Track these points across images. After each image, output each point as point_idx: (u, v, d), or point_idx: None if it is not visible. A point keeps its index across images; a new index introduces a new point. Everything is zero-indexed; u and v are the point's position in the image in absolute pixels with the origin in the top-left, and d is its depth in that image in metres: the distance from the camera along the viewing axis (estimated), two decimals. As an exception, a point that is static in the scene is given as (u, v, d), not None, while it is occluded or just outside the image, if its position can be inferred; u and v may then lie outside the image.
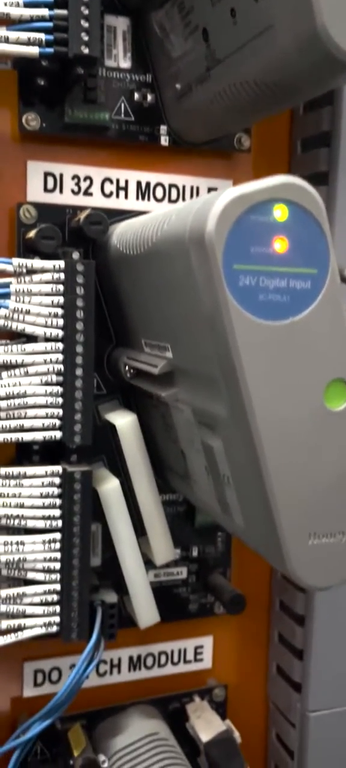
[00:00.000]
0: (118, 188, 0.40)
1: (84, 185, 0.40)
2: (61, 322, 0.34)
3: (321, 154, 0.41)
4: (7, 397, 0.34)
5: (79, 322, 0.35)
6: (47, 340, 0.35)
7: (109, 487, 0.38)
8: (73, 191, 0.39)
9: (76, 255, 0.35)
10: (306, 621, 0.43)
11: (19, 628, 0.36)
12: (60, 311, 0.34)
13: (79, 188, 0.39)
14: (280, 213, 0.25)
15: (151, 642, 0.45)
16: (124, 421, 0.38)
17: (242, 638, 0.47)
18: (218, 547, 0.44)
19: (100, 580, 0.41)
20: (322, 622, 0.43)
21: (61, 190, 0.39)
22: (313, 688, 0.43)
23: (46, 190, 0.39)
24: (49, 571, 0.36)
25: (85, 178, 0.40)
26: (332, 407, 0.27)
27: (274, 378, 0.26)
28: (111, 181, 0.40)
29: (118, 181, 0.40)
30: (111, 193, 0.40)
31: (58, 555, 0.36)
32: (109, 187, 0.40)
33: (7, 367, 0.35)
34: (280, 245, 0.25)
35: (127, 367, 0.37)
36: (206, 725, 0.42)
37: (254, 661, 0.48)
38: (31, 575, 0.36)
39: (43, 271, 0.34)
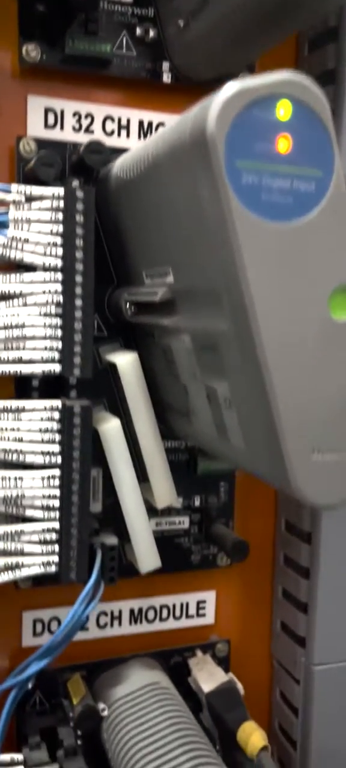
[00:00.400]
0: (120, 127, 0.40)
1: (85, 122, 0.39)
2: (60, 251, 0.34)
3: (327, 93, 0.40)
4: (5, 328, 0.34)
5: (79, 250, 0.34)
6: (46, 269, 0.34)
7: (110, 426, 0.37)
8: (74, 128, 0.39)
9: (75, 182, 0.34)
10: (311, 573, 0.42)
11: (17, 566, 0.35)
12: (59, 240, 0.34)
13: (81, 125, 0.39)
14: (283, 111, 0.25)
15: (153, 595, 0.44)
16: (125, 359, 0.37)
17: (246, 594, 0.46)
18: (220, 498, 0.43)
19: (101, 527, 0.40)
20: (327, 574, 0.42)
21: (61, 127, 0.38)
22: (318, 641, 0.42)
23: (46, 126, 0.38)
24: (47, 508, 0.35)
25: (87, 116, 0.39)
26: (338, 318, 0.26)
27: (277, 284, 0.25)
28: (113, 120, 0.40)
29: (120, 119, 0.40)
30: (113, 132, 0.40)
31: (57, 492, 0.35)
32: (111, 126, 0.40)
33: (5, 297, 0.34)
34: (283, 144, 0.25)
35: (127, 304, 0.36)
36: (209, 677, 0.41)
37: (258, 618, 0.47)
38: (29, 512, 0.35)
39: (42, 198, 0.34)
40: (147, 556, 0.39)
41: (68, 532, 0.35)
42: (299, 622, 0.43)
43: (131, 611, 0.44)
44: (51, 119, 0.38)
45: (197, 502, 0.43)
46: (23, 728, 0.40)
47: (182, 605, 0.45)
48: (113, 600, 0.43)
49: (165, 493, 0.39)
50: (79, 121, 0.39)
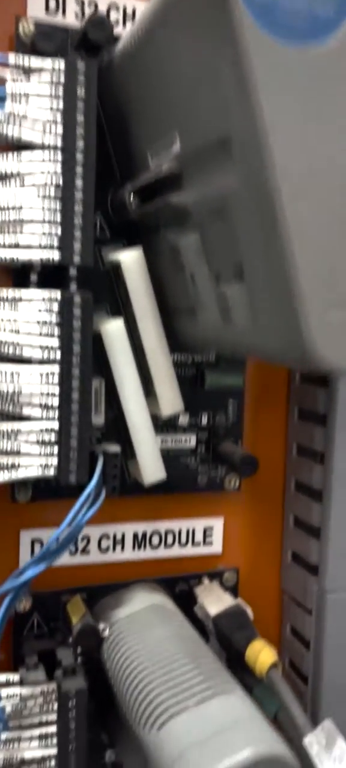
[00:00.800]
0: (124, 16, 0.38)
1: (88, 10, 0.37)
2: (60, 129, 0.32)
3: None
4: (2, 210, 0.32)
5: (80, 128, 0.32)
6: (45, 148, 0.32)
7: (113, 326, 0.35)
8: (76, 15, 0.37)
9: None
10: (324, 496, 0.40)
11: (13, 467, 0.33)
12: (59, 117, 0.32)
13: (83, 12, 0.37)
14: None
15: (158, 519, 0.42)
16: (129, 255, 0.35)
17: (255, 523, 0.44)
18: (229, 417, 0.41)
19: (103, 441, 0.38)
20: (341, 495, 0.40)
21: (64, 12, 0.36)
22: (331, 567, 0.40)
23: (47, 10, 0.36)
24: (46, 407, 0.33)
25: (90, 3, 0.37)
26: None
27: (295, 115, 0.23)
28: (117, 8, 0.37)
29: (125, 8, 0.38)
30: (117, 21, 0.37)
31: (56, 390, 0.33)
32: (115, 15, 0.37)
33: (1, 177, 0.32)
34: None
35: (131, 196, 0.34)
36: (216, 601, 0.39)
37: (267, 548, 0.44)
38: (26, 411, 0.33)
39: (41, 71, 0.32)
40: (151, 467, 0.37)
41: (68, 432, 0.33)
42: (311, 548, 0.41)
43: (135, 536, 0.41)
44: (52, 3, 0.36)
45: (204, 420, 0.41)
46: (20, 651, 0.38)
47: (187, 532, 0.42)
48: (116, 522, 0.41)
49: (170, 399, 0.36)
50: (82, 8, 0.37)
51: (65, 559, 0.40)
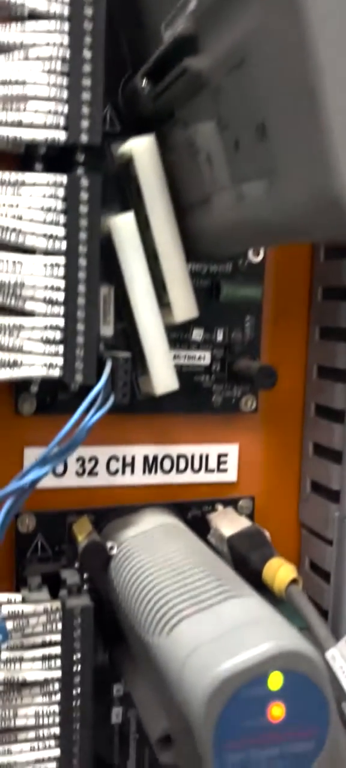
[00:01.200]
0: None
1: None
2: (68, -5, 0.30)
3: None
4: (3, 84, 0.30)
5: (89, -7, 0.29)
6: (50, 18, 0.30)
7: (123, 219, 0.33)
8: None
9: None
10: (346, 418, 0.38)
11: (15, 364, 0.31)
12: (66, -18, 0.29)
13: None
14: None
15: (169, 443, 0.40)
16: (140, 142, 0.33)
17: (272, 450, 0.41)
18: (245, 333, 0.39)
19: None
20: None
21: None
22: (353, 491, 0.38)
23: None
24: (50, 302, 0.31)
25: None
26: None
27: None
28: None
29: None
30: None
31: (61, 283, 0.31)
32: None
33: (4, 49, 0.30)
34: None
35: (144, 81, 0.32)
36: (230, 523, 0.37)
37: (285, 477, 0.42)
38: (30, 305, 0.31)
39: None
40: (163, 376, 0.34)
41: (74, 329, 0.31)
42: (332, 474, 0.39)
43: (145, 459, 0.39)
44: None
45: (220, 337, 0.39)
46: (23, 574, 0.36)
47: (201, 457, 0.40)
48: (125, 444, 0.39)
49: (184, 303, 0.34)
50: None
51: (72, 481, 0.38)
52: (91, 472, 0.38)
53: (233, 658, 0.22)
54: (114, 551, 0.34)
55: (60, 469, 0.38)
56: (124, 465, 0.39)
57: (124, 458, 0.39)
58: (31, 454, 0.37)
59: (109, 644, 0.37)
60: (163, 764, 0.31)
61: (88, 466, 0.38)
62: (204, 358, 0.38)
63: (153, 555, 0.32)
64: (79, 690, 0.33)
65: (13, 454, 0.37)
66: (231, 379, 0.39)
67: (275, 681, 0.22)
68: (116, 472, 0.39)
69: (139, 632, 0.28)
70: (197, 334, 0.38)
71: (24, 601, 0.33)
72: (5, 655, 0.32)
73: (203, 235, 0.34)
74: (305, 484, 0.42)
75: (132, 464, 0.39)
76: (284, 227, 0.26)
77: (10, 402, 0.36)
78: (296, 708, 0.22)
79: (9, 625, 0.32)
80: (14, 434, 0.36)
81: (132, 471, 0.39)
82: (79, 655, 0.33)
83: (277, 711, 0.22)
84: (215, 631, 0.24)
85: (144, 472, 0.39)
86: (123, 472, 0.39)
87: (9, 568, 0.37)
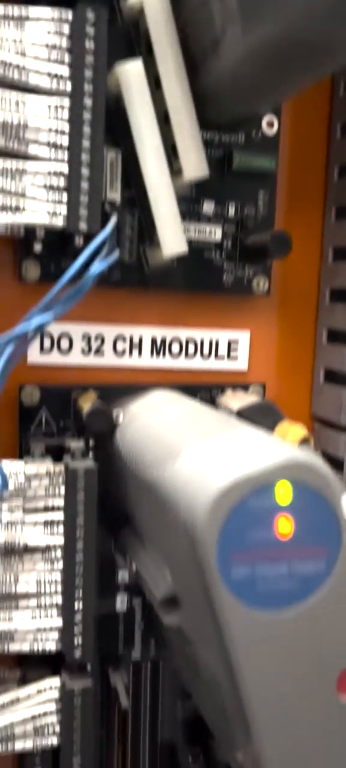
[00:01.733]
0: None
1: None
2: None
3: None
4: None
5: None
6: None
7: (132, 65, 0.32)
8: None
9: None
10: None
11: (18, 209, 0.30)
12: None
13: None
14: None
15: (178, 325, 0.38)
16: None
17: (284, 337, 0.40)
18: (259, 209, 0.37)
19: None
20: None
21: None
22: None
23: None
24: (55, 146, 0.30)
25: None
26: None
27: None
28: None
29: None
30: None
31: (66, 127, 0.30)
32: None
33: None
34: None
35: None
36: (239, 401, 0.36)
37: (298, 367, 0.41)
38: (33, 149, 0.30)
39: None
40: (172, 237, 0.33)
41: (78, 175, 0.30)
42: (346, 359, 0.38)
43: (153, 341, 0.38)
44: None
45: (232, 211, 0.37)
46: (27, 448, 0.35)
47: (211, 342, 0.39)
48: (133, 324, 0.37)
49: (194, 161, 0.33)
50: None
51: (77, 359, 0.37)
52: (98, 351, 0.37)
53: (240, 465, 0.21)
54: (120, 419, 0.33)
55: (66, 345, 0.36)
56: (131, 346, 0.38)
57: (131, 339, 0.38)
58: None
59: (114, 530, 0.37)
60: (167, 627, 0.30)
61: (95, 344, 0.37)
62: (215, 233, 0.37)
63: (160, 413, 0.30)
64: (81, 557, 0.32)
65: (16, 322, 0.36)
66: (243, 257, 0.37)
67: (284, 493, 0.21)
68: (123, 352, 0.38)
69: (145, 476, 0.27)
70: (208, 208, 0.37)
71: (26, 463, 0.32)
72: (6, 517, 0.31)
73: (214, 89, 0.32)
74: (318, 374, 0.40)
75: (139, 346, 0.38)
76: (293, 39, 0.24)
77: (13, 269, 0.35)
78: (306, 525, 0.21)
79: (10, 484, 0.31)
80: (18, 303, 0.35)
81: (139, 353, 0.38)
82: (82, 520, 0.32)
83: (285, 526, 0.21)
84: (223, 448, 0.22)
85: (152, 354, 0.38)
86: (130, 353, 0.38)
87: (12, 442, 0.36)
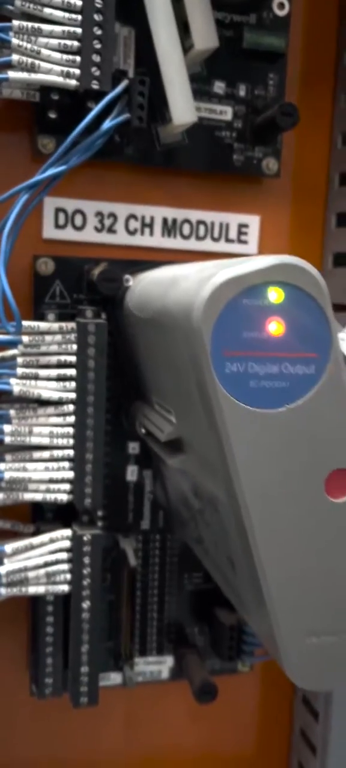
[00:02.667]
0: None
1: None
2: None
3: None
4: None
5: None
6: None
7: None
8: None
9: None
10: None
11: (33, 68, 0.31)
12: None
13: None
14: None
15: (189, 206, 0.39)
16: None
17: (294, 222, 0.41)
18: (268, 90, 0.38)
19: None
20: None
21: None
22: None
23: None
24: (69, 9, 0.31)
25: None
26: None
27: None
28: None
29: None
30: None
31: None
32: None
33: None
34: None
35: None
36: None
37: (307, 252, 0.41)
38: (47, 11, 0.31)
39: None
40: (182, 107, 0.34)
41: (90, 34, 0.31)
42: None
43: (164, 221, 0.39)
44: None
45: (242, 92, 0.38)
46: (40, 314, 0.36)
47: (221, 225, 0.40)
48: (144, 203, 0.39)
49: (205, 32, 0.34)
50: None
51: (90, 235, 0.38)
52: (110, 229, 0.38)
53: (234, 269, 0.22)
54: (130, 282, 0.35)
55: (79, 222, 0.38)
56: (143, 225, 0.39)
57: (143, 218, 0.39)
58: (51, 205, 0.37)
59: (125, 405, 0.38)
60: (172, 469, 0.31)
61: (107, 222, 0.38)
62: (226, 113, 0.38)
63: (167, 268, 0.32)
64: (92, 410, 0.33)
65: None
66: (253, 138, 0.38)
67: (276, 294, 0.22)
68: (135, 231, 0.39)
69: (150, 313, 0.28)
70: (219, 87, 0.37)
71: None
72: (21, 371, 0.33)
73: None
74: (327, 259, 0.41)
75: (151, 225, 0.39)
76: None
77: (30, 145, 0.36)
78: (297, 327, 0.22)
79: (24, 338, 0.33)
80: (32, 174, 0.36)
81: (151, 232, 0.39)
82: (93, 375, 0.33)
83: (277, 327, 0.22)
84: (220, 264, 0.24)
85: (163, 234, 0.39)
86: (142, 232, 0.39)
87: (27, 312, 0.37)
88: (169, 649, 0.41)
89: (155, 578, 0.41)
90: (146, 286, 0.31)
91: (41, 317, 0.36)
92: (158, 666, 0.41)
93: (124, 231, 0.39)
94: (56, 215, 0.37)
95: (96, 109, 0.30)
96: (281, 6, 0.37)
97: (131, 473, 0.40)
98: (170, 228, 0.39)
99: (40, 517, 0.37)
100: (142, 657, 0.41)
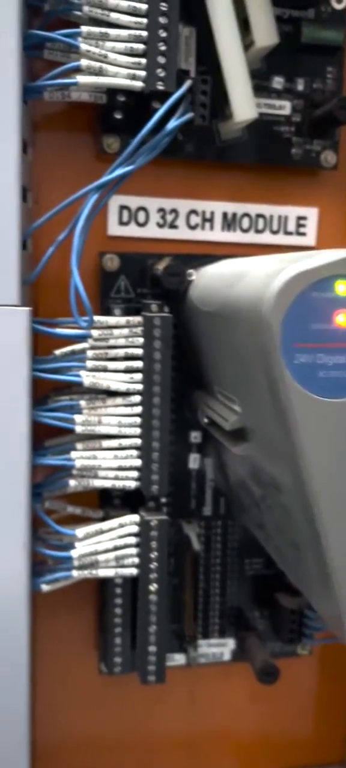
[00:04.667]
0: None
1: None
2: None
3: None
4: None
5: None
6: None
7: None
8: None
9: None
10: None
11: (101, 72, 0.32)
12: None
13: None
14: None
15: (248, 200, 0.40)
16: None
17: (352, 215, 0.42)
18: (327, 84, 0.39)
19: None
20: None
21: None
22: None
23: None
24: (134, 14, 0.32)
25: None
26: None
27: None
28: None
29: None
30: None
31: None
32: None
33: None
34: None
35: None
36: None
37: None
38: (114, 16, 0.32)
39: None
40: (243, 103, 0.35)
41: (155, 36, 0.32)
42: None
43: (224, 215, 0.40)
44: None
45: (301, 86, 0.39)
46: (107, 309, 0.38)
47: (279, 218, 0.41)
48: (204, 199, 0.40)
49: (265, 29, 0.34)
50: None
51: (152, 231, 0.39)
52: (172, 225, 0.39)
53: (303, 263, 0.23)
54: (193, 277, 0.36)
55: (142, 218, 0.39)
56: (203, 220, 0.40)
57: (203, 213, 0.40)
58: (115, 202, 0.39)
59: (186, 393, 0.39)
60: (236, 457, 0.32)
61: (169, 218, 0.39)
62: (284, 107, 0.39)
63: (231, 262, 0.33)
64: (158, 400, 0.35)
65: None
66: (311, 132, 0.39)
67: (344, 287, 0.23)
68: (196, 226, 0.40)
69: (215, 306, 0.29)
70: (278, 82, 0.38)
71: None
72: (91, 363, 0.34)
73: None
74: None
75: (211, 220, 0.40)
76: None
77: (93, 144, 0.38)
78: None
79: (94, 332, 0.34)
80: (102, 174, 0.38)
81: (211, 227, 0.40)
82: (158, 366, 0.34)
83: (344, 318, 0.23)
84: (288, 259, 0.24)
85: (223, 228, 0.40)
86: (203, 227, 0.40)
87: (94, 306, 0.38)
88: (230, 632, 0.43)
89: (217, 563, 0.42)
90: (210, 281, 0.32)
91: (107, 311, 0.37)
92: (220, 648, 0.43)
93: (185, 226, 0.40)
94: (120, 212, 0.39)
95: (162, 109, 0.32)
96: (339, 0, 0.38)
97: (193, 461, 0.41)
98: (230, 222, 0.40)
99: (108, 503, 0.39)
100: (205, 639, 0.42)
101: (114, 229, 0.39)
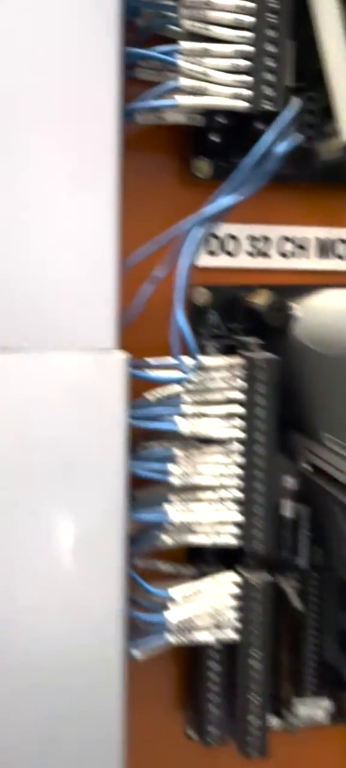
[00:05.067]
0: None
1: None
2: None
3: None
4: None
5: None
6: None
7: None
8: None
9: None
10: None
11: (202, 92, 0.29)
12: None
13: None
14: None
15: (342, 225, 0.37)
16: None
17: None
18: None
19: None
20: None
21: None
22: None
23: None
24: (239, 27, 0.29)
25: None
26: None
27: None
28: None
29: None
30: None
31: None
32: None
33: None
34: None
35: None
36: None
37: None
38: (217, 30, 0.29)
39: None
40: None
41: (262, 51, 0.29)
42: None
43: (318, 241, 0.37)
44: None
45: None
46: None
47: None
48: (297, 224, 0.37)
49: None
50: None
51: (243, 261, 0.36)
52: (263, 253, 0.36)
53: None
54: (298, 312, 0.33)
55: (231, 247, 0.36)
56: (296, 247, 0.37)
57: (295, 239, 0.37)
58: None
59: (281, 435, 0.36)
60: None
61: (260, 246, 0.36)
62: None
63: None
64: (263, 450, 0.32)
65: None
66: None
67: None
68: (289, 254, 0.37)
69: (336, 349, 0.27)
70: None
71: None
72: (189, 409, 0.31)
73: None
74: None
75: (305, 247, 0.37)
76: None
77: (179, 167, 0.35)
78: None
79: (192, 376, 0.31)
80: (190, 200, 0.35)
81: (305, 254, 0.37)
82: (263, 413, 0.31)
83: None
84: None
85: (318, 256, 0.37)
86: (296, 254, 0.37)
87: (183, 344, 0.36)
88: (326, 692, 0.39)
89: (313, 618, 0.38)
90: (329, 319, 0.29)
91: (201, 349, 0.35)
92: (316, 709, 0.39)
93: (276, 254, 0.37)
94: (208, 241, 0.36)
95: (273, 131, 0.29)
96: None
97: (288, 509, 0.38)
98: (326, 249, 0.37)
99: (198, 558, 0.35)
100: (299, 698, 0.39)
101: (203, 259, 0.36)
